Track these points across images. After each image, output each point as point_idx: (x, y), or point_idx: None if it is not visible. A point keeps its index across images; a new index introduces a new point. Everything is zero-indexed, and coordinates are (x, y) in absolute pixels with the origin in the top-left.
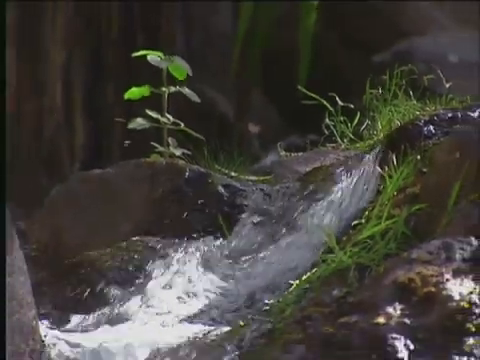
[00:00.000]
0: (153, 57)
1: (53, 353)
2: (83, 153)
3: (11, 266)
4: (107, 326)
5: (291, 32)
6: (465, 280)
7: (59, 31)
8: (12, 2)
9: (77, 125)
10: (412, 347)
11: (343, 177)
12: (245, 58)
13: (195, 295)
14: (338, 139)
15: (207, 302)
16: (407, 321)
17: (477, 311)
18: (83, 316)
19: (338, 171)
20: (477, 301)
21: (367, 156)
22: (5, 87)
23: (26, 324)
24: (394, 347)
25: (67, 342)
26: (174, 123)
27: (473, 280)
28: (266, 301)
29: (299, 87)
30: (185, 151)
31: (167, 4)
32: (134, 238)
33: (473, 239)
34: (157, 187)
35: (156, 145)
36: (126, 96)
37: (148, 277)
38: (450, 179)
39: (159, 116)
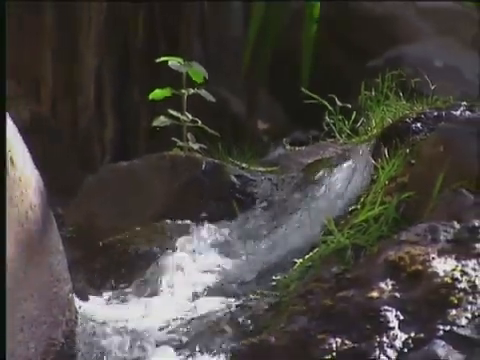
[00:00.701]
0: (174, 62)
1: (86, 324)
2: (112, 147)
3: (50, 247)
4: (135, 299)
5: (295, 34)
6: (448, 259)
7: (92, 39)
8: (52, 12)
9: (107, 122)
10: (402, 318)
11: (341, 168)
12: (255, 60)
13: (211, 272)
14: (337, 134)
15: (221, 278)
16: (397, 295)
17: (459, 286)
18: (113, 291)
19: (337, 163)
20: (459, 277)
21: (362, 149)
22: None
23: (62, 297)
24: (386, 318)
25: (99, 314)
26: (192, 121)
27: (455, 259)
28: (273, 277)
29: (302, 89)
30: (202, 145)
31: (185, 14)
32: (157, 221)
33: (455, 223)
34: (177, 177)
35: (176, 140)
36: (150, 97)
37: (170, 256)
38: (435, 170)
39: (179, 115)
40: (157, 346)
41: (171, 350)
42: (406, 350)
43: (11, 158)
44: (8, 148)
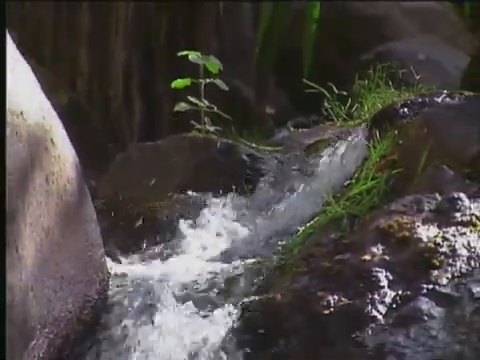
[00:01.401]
0: (193, 56)
1: (117, 282)
2: (139, 129)
3: (85, 216)
4: (158, 260)
5: (298, 31)
6: (431, 227)
7: (121, 36)
8: (87, 13)
9: (135, 108)
10: (391, 278)
11: (338, 147)
12: (263, 54)
13: (225, 237)
14: (334, 118)
15: (233, 243)
16: (387, 258)
17: (440, 250)
18: (139, 254)
19: (334, 143)
20: (440, 242)
21: (356, 132)
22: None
23: (96, 260)
24: (377, 278)
25: (127, 274)
26: (209, 107)
27: (437, 226)
28: (279, 243)
29: (304, 79)
30: (217, 128)
31: (203, 14)
32: (179, 194)
33: (437, 195)
34: (196, 155)
35: (195, 123)
36: (172, 86)
37: (189, 224)
38: (420, 149)
39: (197, 101)
40: (178, 300)
41: (190, 303)
42: (394, 306)
43: (51, 139)
44: (50, 130)
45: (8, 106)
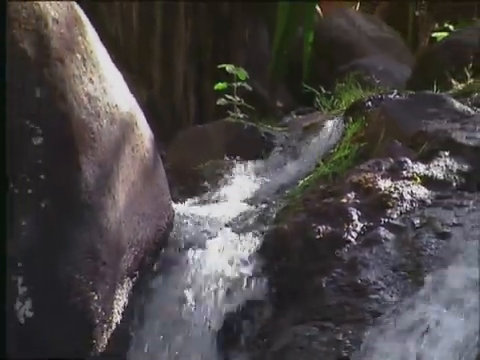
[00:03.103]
0: (229, 68)
1: (178, 218)
2: (194, 117)
3: (158, 174)
4: (207, 204)
5: (300, 52)
6: (386, 180)
7: (181, 54)
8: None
9: (190, 102)
10: (360, 214)
11: (326, 128)
12: (276, 67)
13: (250, 188)
14: (322, 109)
15: (254, 193)
16: (357, 201)
17: (393, 196)
18: (193, 199)
19: (323, 125)
20: (393, 191)
21: (337, 118)
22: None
23: (165, 202)
24: (351, 214)
25: (185, 212)
26: (239, 101)
27: (391, 180)
28: (286, 191)
29: (303, 84)
30: (245, 116)
31: (235, 37)
32: (219, 160)
33: (390, 159)
34: (230, 134)
35: (230, 112)
36: (215, 87)
37: (225, 179)
38: (379, 130)
39: (232, 98)
40: (220, 228)
41: (229, 229)
42: (362, 233)
43: (136, 122)
44: (135, 117)
45: (107, 100)
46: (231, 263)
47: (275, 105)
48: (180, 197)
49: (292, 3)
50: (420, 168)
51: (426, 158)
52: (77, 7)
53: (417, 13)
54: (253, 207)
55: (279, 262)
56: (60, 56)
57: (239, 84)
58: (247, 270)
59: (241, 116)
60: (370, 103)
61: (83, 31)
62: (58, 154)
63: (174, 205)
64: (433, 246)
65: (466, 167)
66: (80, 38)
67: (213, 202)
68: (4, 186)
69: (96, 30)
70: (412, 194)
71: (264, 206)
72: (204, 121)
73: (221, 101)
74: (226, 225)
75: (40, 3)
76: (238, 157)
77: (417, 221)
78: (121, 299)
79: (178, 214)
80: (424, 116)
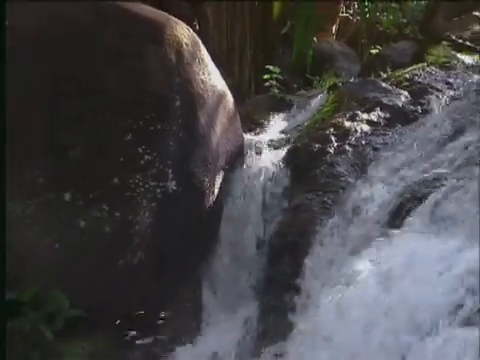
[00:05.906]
0: (270, 67)
1: (247, 142)
2: (253, 92)
3: (236, 119)
4: (259, 135)
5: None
6: (349, 122)
7: (248, 53)
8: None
9: (251, 83)
10: (335, 138)
11: (315, 99)
12: (294, 67)
13: (280, 126)
14: (317, 88)
15: (284, 128)
16: (334, 132)
17: (352, 130)
18: (252, 133)
19: (317, 95)
20: (353, 127)
21: (322, 93)
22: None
23: (240, 134)
24: (331, 139)
25: (250, 139)
26: (276, 84)
27: (351, 122)
28: (299, 128)
29: (307, 75)
30: (279, 92)
31: (273, 42)
32: (264, 113)
33: (351, 112)
34: (270, 103)
35: (271, 90)
36: (264, 77)
37: (269, 122)
38: (344, 97)
39: (273, 82)
40: (266, 145)
41: (269, 149)
42: (337, 148)
43: (226, 94)
44: (225, 92)
45: (211, 83)
46: (272, 163)
47: (293, 86)
48: (246, 131)
49: (307, 17)
50: (365, 116)
51: (368, 111)
52: (195, 35)
53: (363, 41)
54: (283, 135)
55: (294, 162)
56: (189, 61)
57: (276, 75)
58: (280, 166)
59: (276, 91)
60: (340, 84)
61: (199, 47)
62: (188, 109)
63: (244, 135)
64: (371, 154)
65: (388, 115)
66: (197, 51)
67: (262, 133)
68: (3, 188)
69: (204, 44)
70: (361, 129)
71: (288, 135)
72: (258, 94)
73: (268, 82)
74: (268, 144)
75: (178, 34)
76: (275, 112)
77: (363, 142)
78: (218, 181)
79: (245, 139)
80: (367, 90)
